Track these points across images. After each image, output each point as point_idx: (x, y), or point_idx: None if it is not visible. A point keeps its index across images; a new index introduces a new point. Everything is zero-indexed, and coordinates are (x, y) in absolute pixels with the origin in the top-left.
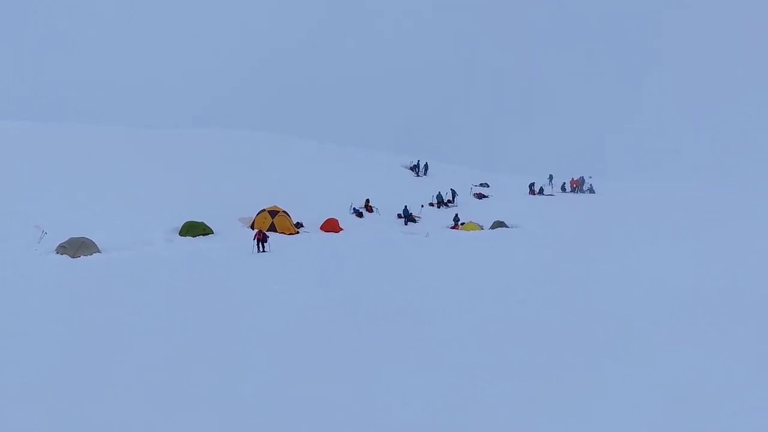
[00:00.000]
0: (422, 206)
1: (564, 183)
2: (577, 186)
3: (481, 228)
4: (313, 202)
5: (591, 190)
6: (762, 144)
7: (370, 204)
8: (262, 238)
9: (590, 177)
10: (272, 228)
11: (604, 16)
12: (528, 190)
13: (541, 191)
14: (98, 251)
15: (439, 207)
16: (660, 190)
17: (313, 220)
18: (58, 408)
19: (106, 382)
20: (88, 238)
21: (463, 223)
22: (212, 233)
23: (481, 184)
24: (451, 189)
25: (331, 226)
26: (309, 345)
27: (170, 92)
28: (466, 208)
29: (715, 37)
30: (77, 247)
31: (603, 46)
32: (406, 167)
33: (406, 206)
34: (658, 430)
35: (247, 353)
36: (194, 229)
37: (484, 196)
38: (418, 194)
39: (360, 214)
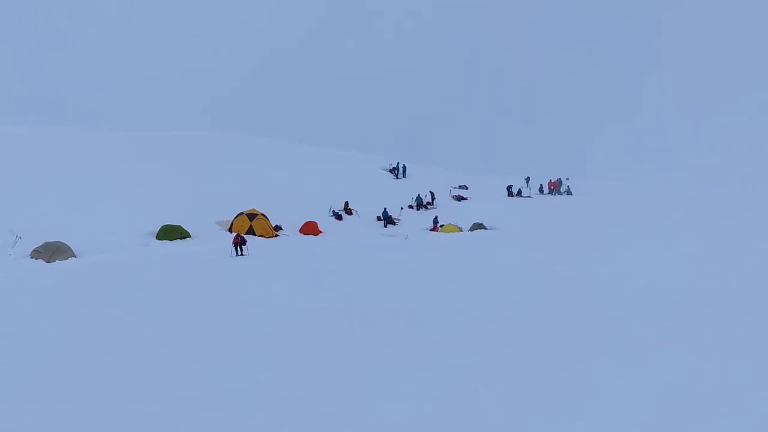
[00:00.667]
0: (401, 208)
1: (541, 185)
2: (555, 188)
3: (460, 230)
4: (292, 205)
5: (568, 192)
6: (742, 144)
7: (349, 206)
8: (239, 242)
9: (567, 179)
10: (251, 231)
11: (592, 18)
12: (506, 192)
13: (519, 193)
14: (74, 256)
15: (418, 209)
16: (638, 189)
17: (291, 223)
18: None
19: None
20: (63, 243)
21: (442, 225)
22: (189, 237)
23: (460, 186)
24: (431, 191)
25: (310, 228)
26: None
27: (157, 93)
28: (445, 210)
29: (706, 38)
30: (52, 252)
31: (587, 48)
32: (385, 169)
33: (385, 208)
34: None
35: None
36: (171, 233)
37: (463, 198)
38: (397, 196)
39: (339, 217)
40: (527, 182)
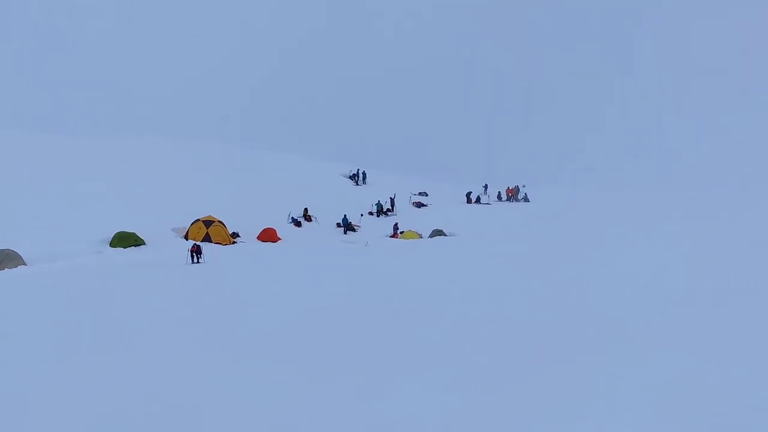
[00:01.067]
0: (362, 215)
1: (499, 192)
2: (513, 195)
3: (420, 236)
4: (250, 212)
5: (525, 199)
6: (691, 149)
7: (308, 213)
8: (195, 250)
9: (524, 186)
10: (207, 238)
11: (555, 24)
12: (465, 198)
13: (478, 200)
14: (23, 264)
15: (378, 216)
16: (591, 196)
17: (249, 230)
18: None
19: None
20: (12, 250)
21: (402, 232)
22: (144, 244)
23: (420, 193)
24: (391, 198)
25: (268, 235)
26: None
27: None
28: (406, 216)
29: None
30: (1, 260)
31: (543, 56)
32: (345, 176)
33: (345, 215)
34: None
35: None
36: (125, 240)
37: (423, 205)
38: (357, 203)
39: (298, 224)
40: (485, 189)
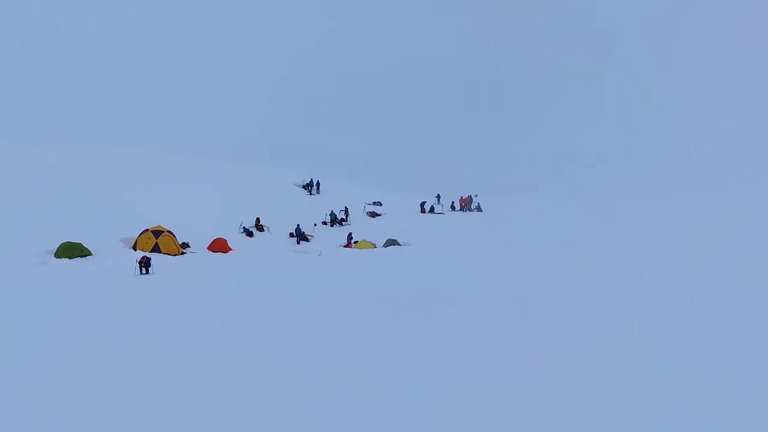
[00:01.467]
0: (315, 225)
1: (453, 202)
2: (466, 204)
3: (374, 246)
4: (200, 222)
5: (478, 209)
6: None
7: (260, 223)
8: (144, 263)
9: (476, 195)
10: (156, 248)
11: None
12: (419, 208)
13: (431, 210)
14: None
15: (332, 225)
16: (543, 205)
17: (199, 240)
18: None
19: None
20: None
21: (356, 242)
22: (91, 255)
23: (375, 203)
24: (345, 207)
25: (219, 246)
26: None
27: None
28: (360, 226)
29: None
30: None
31: (493, 62)
32: (298, 185)
33: (298, 225)
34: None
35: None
36: (71, 251)
37: (378, 215)
38: (310, 213)
39: (250, 234)
40: (438, 199)
